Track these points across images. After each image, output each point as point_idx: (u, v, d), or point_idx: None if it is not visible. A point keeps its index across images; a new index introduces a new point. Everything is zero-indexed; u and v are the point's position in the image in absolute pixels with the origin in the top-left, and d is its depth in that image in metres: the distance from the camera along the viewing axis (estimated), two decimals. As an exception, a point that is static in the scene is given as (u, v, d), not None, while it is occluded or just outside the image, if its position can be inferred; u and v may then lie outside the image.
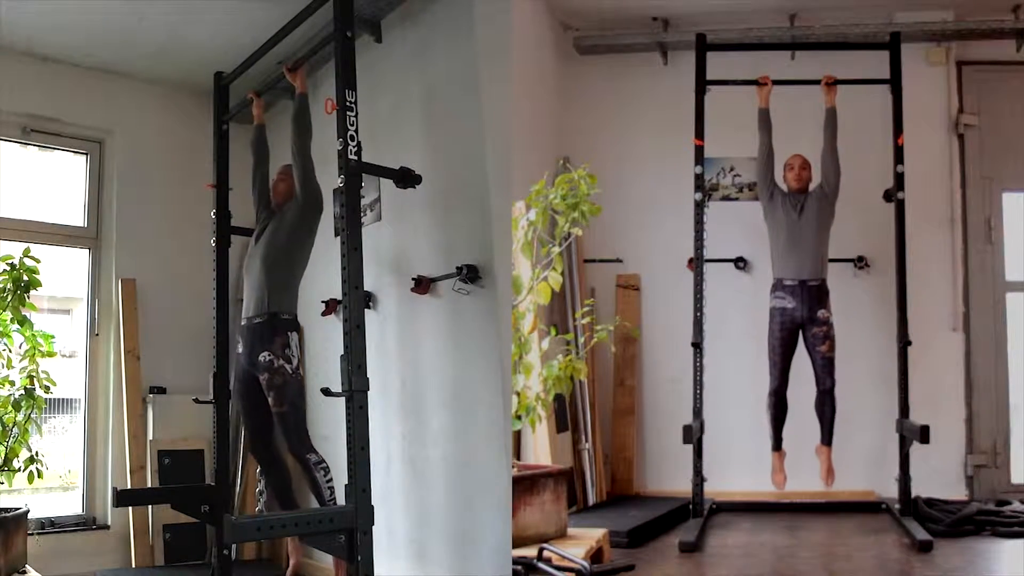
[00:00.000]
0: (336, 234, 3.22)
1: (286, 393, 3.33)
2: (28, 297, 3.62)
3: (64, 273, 4.74)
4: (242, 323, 3.56)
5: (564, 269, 3.56)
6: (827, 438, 4.21)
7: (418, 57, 3.86)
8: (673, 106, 4.76)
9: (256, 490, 4.65)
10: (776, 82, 4.35)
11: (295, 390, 3.38)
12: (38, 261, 3.65)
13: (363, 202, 3.91)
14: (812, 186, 4.29)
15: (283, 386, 3.33)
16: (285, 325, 3.41)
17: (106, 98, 4.80)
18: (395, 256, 3.97)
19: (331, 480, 3.31)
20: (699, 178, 4.32)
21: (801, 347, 4.20)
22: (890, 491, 4.28)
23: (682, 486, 4.30)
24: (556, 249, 2.96)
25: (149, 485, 4.56)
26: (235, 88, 4.21)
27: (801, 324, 4.14)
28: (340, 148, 3.03)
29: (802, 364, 4.21)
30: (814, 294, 4.13)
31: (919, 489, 4.17)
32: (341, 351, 2.94)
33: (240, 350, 3.54)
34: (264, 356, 3.35)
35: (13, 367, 3.62)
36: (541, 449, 3.94)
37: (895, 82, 4.32)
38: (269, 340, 3.37)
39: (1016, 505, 4.30)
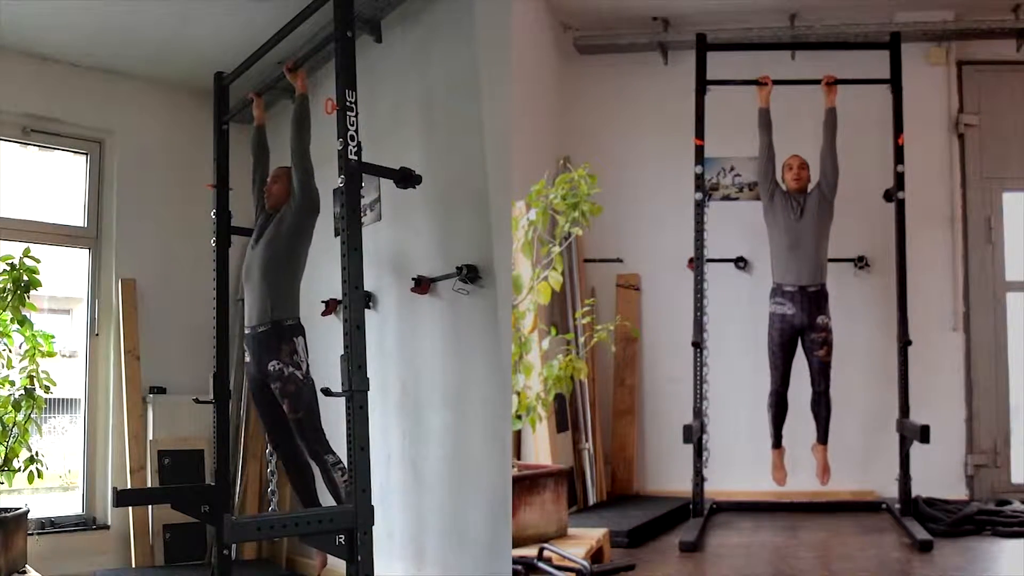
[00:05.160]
0: (336, 234, 3.22)
1: (300, 399, 3.36)
2: (28, 297, 3.62)
3: (64, 273, 4.74)
4: (247, 331, 3.55)
5: (564, 269, 3.56)
6: (823, 437, 4.20)
7: (418, 57, 3.86)
8: (673, 106, 4.75)
9: (268, 489, 4.65)
10: (776, 82, 4.35)
11: (309, 394, 3.40)
12: (38, 261, 3.65)
13: (363, 202, 3.91)
14: (811, 186, 4.27)
15: (296, 393, 3.35)
16: (290, 331, 3.42)
17: (106, 98, 4.80)
18: (395, 256, 3.96)
19: (348, 480, 3.30)
20: (699, 178, 4.32)
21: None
22: (890, 491, 4.28)
23: (682, 486, 4.31)
24: (556, 249, 2.96)
25: (149, 485, 4.56)
26: (235, 88, 4.21)
27: (800, 330, 4.13)
28: (340, 148, 3.03)
29: (800, 364, 4.20)
30: (813, 300, 4.11)
31: (919, 489, 4.17)
32: (341, 351, 2.94)
33: (248, 359, 3.55)
34: (274, 365, 3.37)
35: (13, 367, 3.62)
36: (541, 449, 3.94)
37: (895, 82, 4.33)
38: (276, 349, 3.38)
39: (1016, 505, 4.30)
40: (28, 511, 3.44)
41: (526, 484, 3.01)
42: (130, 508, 4.47)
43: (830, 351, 4.12)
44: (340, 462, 3.33)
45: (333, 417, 4.29)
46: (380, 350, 3.91)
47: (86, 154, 4.84)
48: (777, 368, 4.18)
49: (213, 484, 4.03)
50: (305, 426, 3.38)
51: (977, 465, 4.67)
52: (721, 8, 4.82)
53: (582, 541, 3.01)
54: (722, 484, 4.48)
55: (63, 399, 4.67)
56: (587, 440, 4.50)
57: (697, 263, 4.31)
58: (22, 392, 3.57)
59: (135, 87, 4.90)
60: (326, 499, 3.63)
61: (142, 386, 4.70)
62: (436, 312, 3.68)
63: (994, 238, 4.82)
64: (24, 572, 3.36)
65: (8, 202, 4.52)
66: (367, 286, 3.24)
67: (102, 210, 4.82)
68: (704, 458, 4.22)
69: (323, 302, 4.36)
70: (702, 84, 4.39)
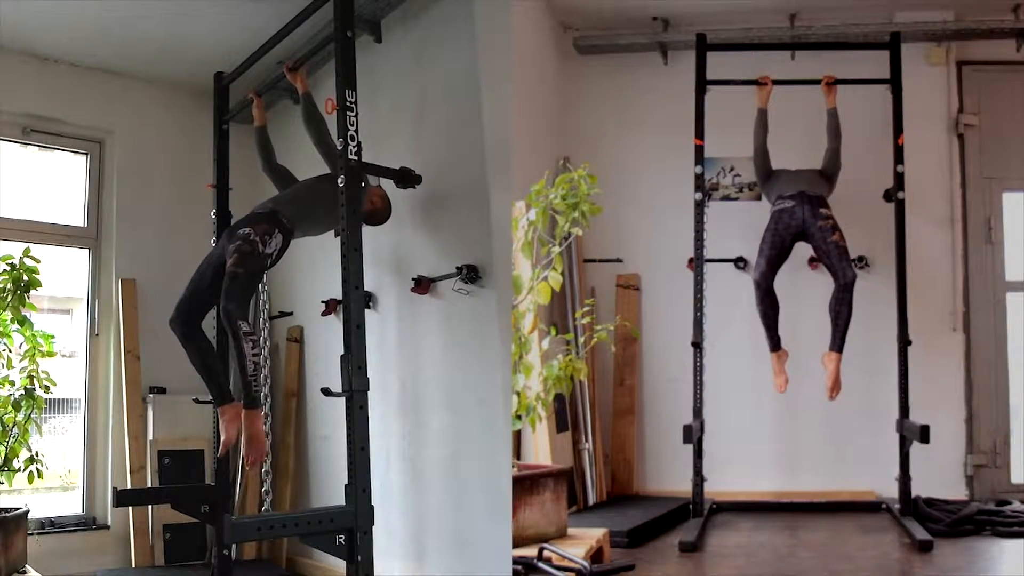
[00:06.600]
0: (336, 234, 3.22)
1: (248, 260, 3.19)
2: (28, 297, 3.63)
3: (64, 273, 4.74)
4: None
5: (564, 269, 3.56)
6: (838, 343, 4.06)
7: (418, 57, 3.86)
8: (673, 106, 4.75)
9: (262, 490, 4.65)
10: (776, 82, 4.35)
11: (258, 265, 3.25)
12: (38, 261, 3.66)
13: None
14: None
15: (249, 253, 3.20)
16: (279, 223, 3.31)
17: (106, 98, 4.80)
18: (395, 256, 3.97)
19: (258, 354, 3.16)
20: (699, 178, 4.32)
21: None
22: (890, 491, 4.28)
23: (682, 486, 4.30)
24: (556, 249, 2.96)
25: (149, 485, 4.56)
26: (235, 88, 4.22)
27: (803, 223, 4.09)
28: (340, 148, 3.03)
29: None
30: (815, 201, 4.13)
31: (919, 489, 4.17)
32: (341, 351, 2.95)
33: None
34: (244, 230, 3.24)
35: (13, 367, 3.63)
36: (541, 449, 3.94)
37: (895, 82, 4.33)
38: (255, 223, 3.28)
39: (1016, 505, 4.30)
40: (28, 511, 3.45)
41: (526, 484, 3.01)
42: (130, 508, 4.47)
43: (843, 236, 4.08)
44: (254, 334, 3.17)
45: (333, 417, 4.30)
46: (380, 350, 3.91)
47: (86, 154, 4.84)
48: (763, 253, 4.12)
49: (213, 484, 4.03)
50: (238, 284, 3.15)
51: (977, 465, 4.67)
52: (721, 8, 4.82)
53: (582, 541, 3.01)
54: (722, 484, 4.48)
55: (63, 399, 4.68)
56: (587, 440, 4.50)
57: (697, 263, 4.31)
58: (22, 392, 3.58)
59: (135, 87, 4.90)
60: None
61: (142, 386, 4.70)
62: (436, 312, 3.68)
63: (994, 238, 4.82)
64: (24, 572, 3.36)
65: (8, 202, 4.53)
66: (367, 286, 3.25)
67: (102, 210, 4.82)
68: (703, 458, 4.22)
69: (323, 302, 4.36)
70: (702, 84, 4.39)
